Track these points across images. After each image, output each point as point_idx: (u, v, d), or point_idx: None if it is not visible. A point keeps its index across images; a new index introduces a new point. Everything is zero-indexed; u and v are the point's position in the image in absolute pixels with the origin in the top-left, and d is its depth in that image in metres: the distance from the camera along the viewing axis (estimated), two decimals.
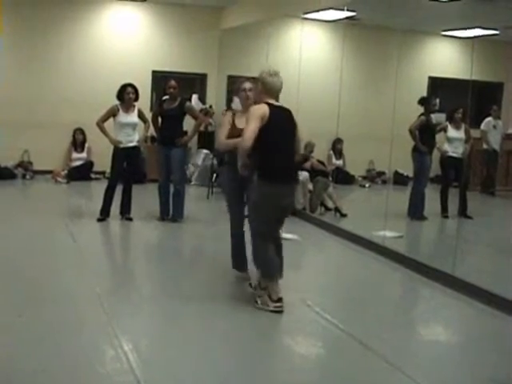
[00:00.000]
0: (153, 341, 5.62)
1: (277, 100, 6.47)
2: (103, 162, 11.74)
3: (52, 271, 7.29)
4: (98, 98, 12.55)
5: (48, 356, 5.04)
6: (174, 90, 9.81)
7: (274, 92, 6.41)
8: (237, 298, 6.73)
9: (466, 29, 11.47)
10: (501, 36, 12.36)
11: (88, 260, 7.94)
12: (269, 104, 6.28)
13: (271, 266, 6.47)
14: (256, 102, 6.52)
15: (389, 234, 9.33)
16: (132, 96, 9.73)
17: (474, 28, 10.96)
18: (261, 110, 6.21)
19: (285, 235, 8.17)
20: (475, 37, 11.00)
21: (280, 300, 6.36)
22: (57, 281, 6.97)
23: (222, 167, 6.88)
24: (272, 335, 6.03)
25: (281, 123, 6.31)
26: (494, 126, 12.65)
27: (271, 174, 6.30)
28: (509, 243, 8.59)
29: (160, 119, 10.10)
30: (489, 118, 12.65)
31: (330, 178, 11.67)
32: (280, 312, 6.30)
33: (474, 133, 11.79)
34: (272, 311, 6.30)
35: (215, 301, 6.62)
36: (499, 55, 13.23)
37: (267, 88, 6.36)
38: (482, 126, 12.57)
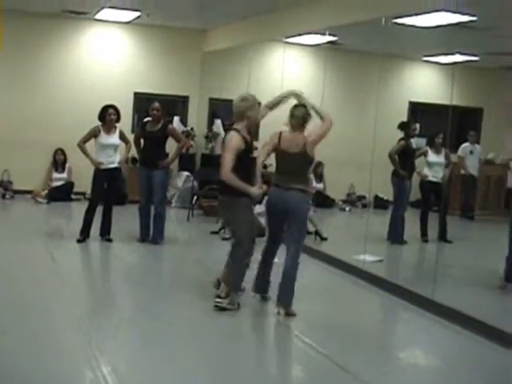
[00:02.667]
0: (132, 363, 5.59)
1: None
2: (84, 182, 11.74)
3: (31, 292, 7.24)
4: (80, 118, 12.56)
5: (27, 377, 5.02)
6: (157, 112, 9.82)
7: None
8: (218, 321, 6.73)
9: (446, 54, 11.57)
10: (480, 62, 12.49)
11: (67, 281, 7.91)
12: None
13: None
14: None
15: (369, 257, 9.34)
16: (113, 117, 9.73)
17: (454, 54, 11.07)
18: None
19: None
20: (455, 63, 11.11)
21: None
22: (35, 302, 6.92)
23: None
24: (249, 356, 6.03)
25: None
26: (471, 152, 12.75)
27: None
28: (488, 267, 8.63)
29: (142, 141, 10.11)
30: (466, 144, 12.75)
31: (311, 202, 11.66)
32: None
33: (454, 157, 11.88)
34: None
35: (195, 323, 6.62)
36: (479, 81, 13.35)
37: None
38: (459, 152, 12.67)
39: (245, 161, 6.94)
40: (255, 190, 6.84)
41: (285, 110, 7.13)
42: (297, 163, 6.91)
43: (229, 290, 6.94)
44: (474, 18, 8.84)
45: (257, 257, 7.22)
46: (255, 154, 7.46)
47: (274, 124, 7.27)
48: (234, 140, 6.89)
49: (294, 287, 6.93)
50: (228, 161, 6.75)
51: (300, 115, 6.93)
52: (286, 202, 6.85)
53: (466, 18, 8.75)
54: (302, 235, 7.16)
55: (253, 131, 7.26)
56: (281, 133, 6.96)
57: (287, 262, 6.92)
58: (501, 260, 8.52)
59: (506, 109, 13.10)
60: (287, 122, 7.00)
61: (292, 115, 6.96)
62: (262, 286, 7.28)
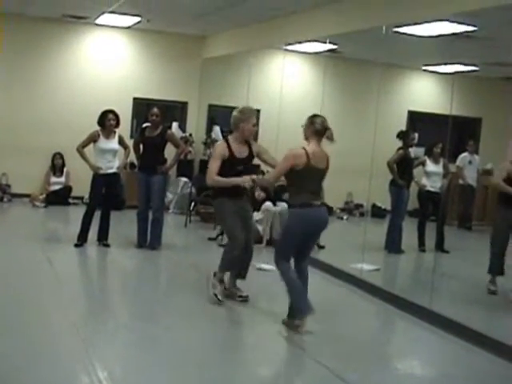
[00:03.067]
0: (128, 368, 5.58)
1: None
2: (82, 187, 11.73)
3: (28, 297, 7.23)
4: (79, 123, 12.58)
5: (24, 382, 5.00)
6: (156, 118, 9.81)
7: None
8: (214, 326, 6.72)
9: (446, 64, 11.59)
10: (480, 72, 12.50)
11: (64, 286, 7.89)
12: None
13: None
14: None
15: (366, 266, 9.34)
16: (113, 122, 9.73)
17: (454, 64, 11.08)
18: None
19: (262, 265, 8.20)
20: (455, 72, 11.12)
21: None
22: (33, 307, 6.92)
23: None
24: (249, 366, 6.01)
25: None
26: (470, 162, 12.74)
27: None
28: (485, 277, 8.62)
29: (141, 146, 10.10)
30: (464, 154, 12.74)
31: None
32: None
33: (452, 167, 11.87)
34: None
35: (192, 329, 6.60)
36: (478, 91, 13.36)
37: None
38: (458, 162, 12.66)
39: (230, 169, 7.13)
40: (243, 179, 7.02)
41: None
42: (321, 178, 6.86)
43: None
44: (474, 28, 8.87)
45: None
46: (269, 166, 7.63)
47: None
48: (219, 147, 7.32)
49: None
50: (213, 167, 7.09)
51: (320, 122, 6.68)
52: (322, 220, 6.83)
53: (466, 28, 8.78)
54: None
55: (252, 143, 7.39)
56: (305, 149, 6.61)
57: (305, 272, 6.98)
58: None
59: (505, 119, 13.13)
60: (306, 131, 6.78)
61: (312, 122, 6.69)
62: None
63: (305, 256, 6.95)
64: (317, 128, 6.65)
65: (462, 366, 6.37)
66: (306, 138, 6.75)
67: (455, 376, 6.10)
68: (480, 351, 6.57)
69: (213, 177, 7.05)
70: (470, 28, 8.83)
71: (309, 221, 6.69)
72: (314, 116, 6.77)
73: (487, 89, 13.53)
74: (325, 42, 11.01)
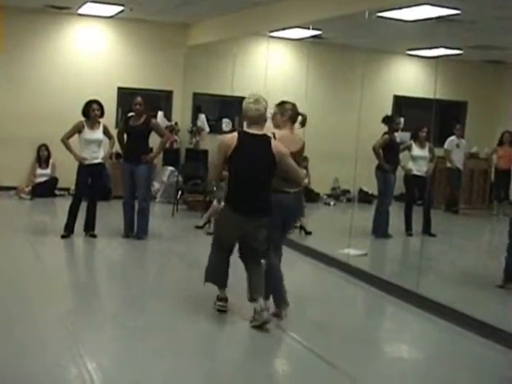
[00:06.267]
0: (116, 360, 5.57)
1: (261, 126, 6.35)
2: (68, 178, 11.67)
3: (15, 289, 7.19)
4: (63, 113, 12.51)
5: (12, 375, 4.98)
6: (140, 107, 9.77)
7: (251, 119, 6.33)
8: (202, 317, 6.71)
9: (430, 48, 11.60)
10: (464, 56, 12.52)
11: (52, 278, 7.86)
12: (242, 133, 6.34)
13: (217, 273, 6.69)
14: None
15: (353, 251, 9.34)
16: (97, 112, 9.68)
17: (438, 47, 11.09)
18: (227, 141, 6.27)
19: None
20: (439, 56, 11.13)
21: (222, 300, 6.67)
22: (20, 299, 6.88)
23: None
24: (238, 354, 6.02)
25: (249, 153, 6.23)
26: (458, 145, 12.80)
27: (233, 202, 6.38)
28: (471, 261, 8.65)
29: (126, 136, 10.07)
30: (452, 137, 12.78)
31: None
32: (221, 311, 6.63)
33: (438, 151, 11.90)
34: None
35: (180, 319, 6.59)
36: (463, 75, 13.39)
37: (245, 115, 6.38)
38: (446, 145, 12.71)
39: None
40: None
41: None
42: None
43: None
44: (457, 12, 8.87)
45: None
46: None
47: None
48: None
49: None
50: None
51: None
52: None
53: (449, 12, 8.78)
54: None
55: None
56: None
57: None
58: (484, 254, 8.56)
59: (491, 103, 13.19)
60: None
61: None
62: None
63: None
64: None
65: (449, 349, 6.39)
66: None
67: (442, 358, 6.12)
68: (467, 333, 6.59)
69: None
70: (453, 11, 8.83)
71: None
72: None
73: (472, 72, 13.58)
74: (308, 28, 11.00)
